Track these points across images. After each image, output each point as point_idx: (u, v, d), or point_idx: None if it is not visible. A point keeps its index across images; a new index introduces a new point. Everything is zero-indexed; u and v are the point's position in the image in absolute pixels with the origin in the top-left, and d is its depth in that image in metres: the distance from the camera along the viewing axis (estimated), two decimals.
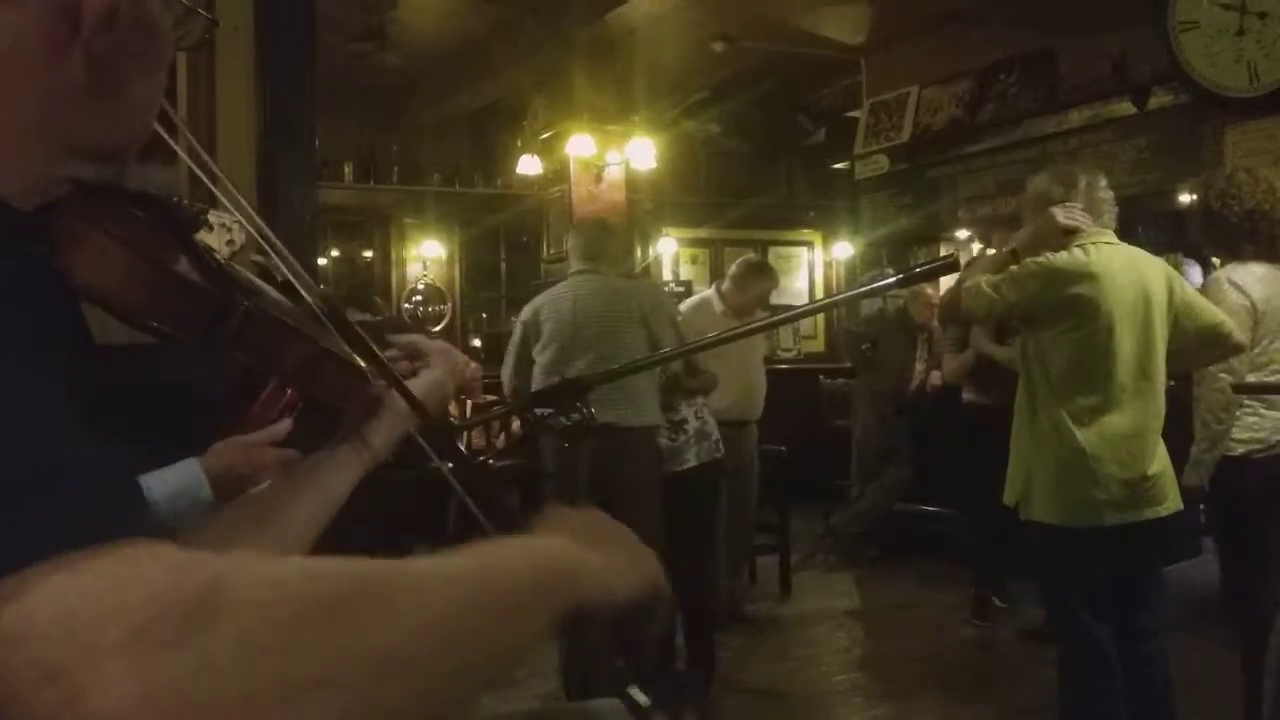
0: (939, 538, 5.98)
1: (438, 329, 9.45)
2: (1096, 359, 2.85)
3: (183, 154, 0.83)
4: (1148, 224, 6.59)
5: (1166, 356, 2.94)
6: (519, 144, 8.72)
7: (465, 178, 9.95)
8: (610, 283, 3.90)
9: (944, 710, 4.01)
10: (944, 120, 7.48)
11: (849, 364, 7.10)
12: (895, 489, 6.27)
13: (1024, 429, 2.99)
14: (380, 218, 9.79)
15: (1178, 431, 3.11)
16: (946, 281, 5.03)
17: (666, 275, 9.52)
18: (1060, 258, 2.88)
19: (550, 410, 1.13)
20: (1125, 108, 6.24)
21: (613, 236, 4.06)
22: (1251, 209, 3.19)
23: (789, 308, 4.70)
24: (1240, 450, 3.17)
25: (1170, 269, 3.09)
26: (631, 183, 8.11)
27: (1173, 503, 2.91)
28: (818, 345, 10.23)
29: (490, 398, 4.17)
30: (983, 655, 4.71)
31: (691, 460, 4.07)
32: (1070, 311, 2.86)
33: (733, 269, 5.18)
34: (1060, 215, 2.92)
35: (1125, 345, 2.85)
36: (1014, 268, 2.94)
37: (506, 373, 4.05)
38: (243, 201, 1.00)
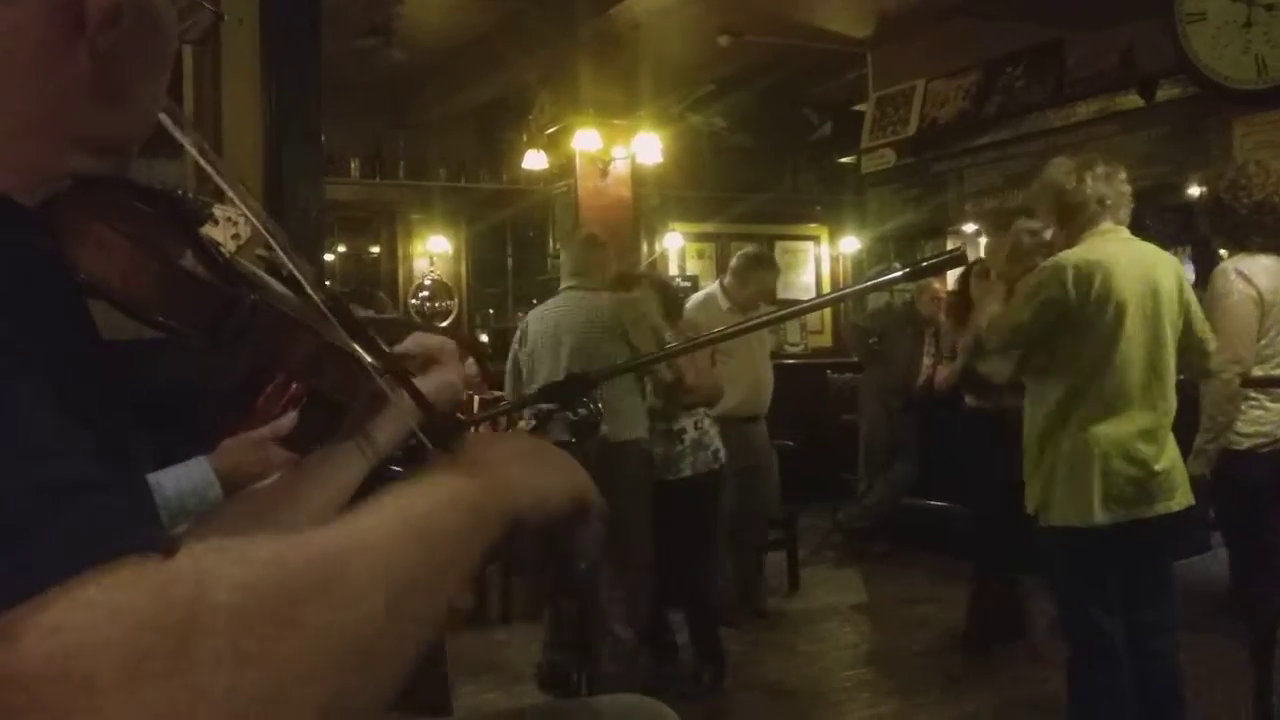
0: (946, 533, 5.96)
1: (444, 324, 9.45)
2: (1105, 356, 2.83)
3: (189, 147, 0.82)
4: (1155, 217, 6.56)
5: None
6: (525, 139, 8.70)
7: (471, 173, 9.94)
8: (594, 298, 3.98)
9: (951, 705, 4.00)
10: (950, 114, 7.45)
11: (856, 358, 7.09)
12: (902, 484, 6.26)
13: (1034, 435, 2.97)
14: (386, 213, 9.79)
15: (1184, 421, 3.09)
16: (953, 275, 5.02)
17: (673, 270, 9.50)
18: (1070, 254, 2.87)
19: (556, 405, 1.12)
20: (1133, 100, 6.22)
21: (600, 251, 4.14)
22: (1261, 200, 3.18)
23: (795, 302, 4.69)
24: (1246, 444, 3.16)
25: (1180, 267, 3.07)
26: (637, 177, 8.10)
27: (1183, 497, 2.90)
28: (824, 340, 10.22)
29: (496, 393, 4.18)
30: (989, 650, 4.70)
31: (686, 470, 4.09)
32: (1082, 309, 2.84)
33: (733, 262, 5.17)
34: (1025, 239, 2.94)
35: (1135, 342, 2.83)
36: (1026, 277, 2.95)
37: (508, 382, 4.17)
38: (249, 195, 0.99)
